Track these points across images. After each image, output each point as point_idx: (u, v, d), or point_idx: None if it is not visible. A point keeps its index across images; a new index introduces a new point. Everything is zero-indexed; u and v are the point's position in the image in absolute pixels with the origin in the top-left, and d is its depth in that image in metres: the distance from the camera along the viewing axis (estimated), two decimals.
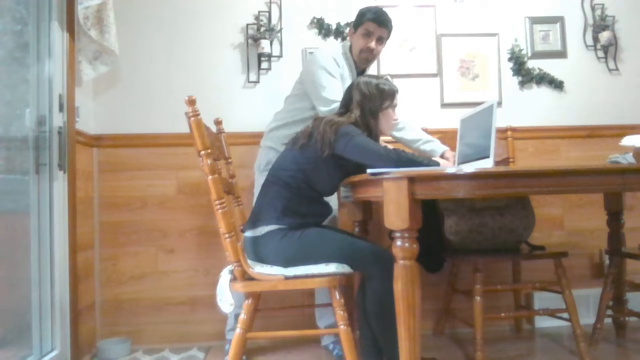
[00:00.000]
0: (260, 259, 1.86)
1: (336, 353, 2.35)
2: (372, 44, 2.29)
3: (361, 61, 2.35)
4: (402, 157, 1.73)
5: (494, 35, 2.86)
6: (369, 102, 1.92)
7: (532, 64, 2.87)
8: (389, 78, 2.11)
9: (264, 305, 2.24)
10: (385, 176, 1.52)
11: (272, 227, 1.83)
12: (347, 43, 2.38)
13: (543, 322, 2.74)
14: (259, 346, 2.52)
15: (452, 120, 2.73)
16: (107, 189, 2.61)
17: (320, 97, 2.19)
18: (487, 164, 1.70)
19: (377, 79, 1.97)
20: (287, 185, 1.88)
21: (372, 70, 2.77)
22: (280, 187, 1.89)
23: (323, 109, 2.18)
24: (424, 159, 1.77)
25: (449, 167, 1.75)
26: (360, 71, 2.38)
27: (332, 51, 2.34)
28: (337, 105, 2.08)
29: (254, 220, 1.88)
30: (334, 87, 2.20)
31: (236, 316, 2.30)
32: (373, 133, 1.93)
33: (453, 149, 2.66)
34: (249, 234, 1.88)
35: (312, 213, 1.91)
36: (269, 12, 2.73)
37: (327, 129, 1.83)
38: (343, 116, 1.93)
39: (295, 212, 1.85)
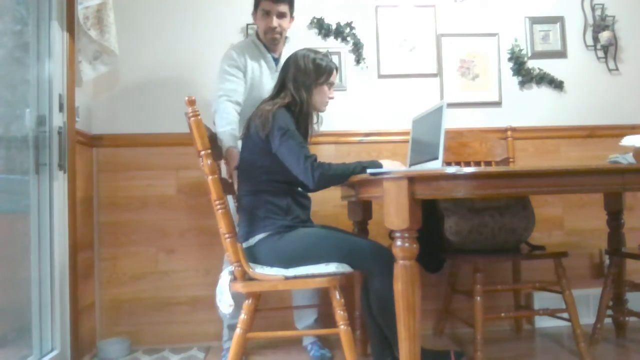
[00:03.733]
0: (260, 263, 1.85)
1: (312, 354, 2.33)
2: (273, 23, 2.25)
3: (269, 42, 2.31)
4: (323, 177, 1.73)
5: (494, 35, 2.86)
6: (304, 76, 1.90)
7: (532, 64, 2.87)
8: (329, 54, 2.08)
9: (264, 305, 2.24)
10: (385, 176, 1.52)
11: (262, 235, 1.83)
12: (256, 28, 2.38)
13: (543, 322, 2.74)
14: (259, 346, 2.52)
15: (452, 120, 2.73)
16: (107, 189, 2.61)
17: (215, 95, 2.24)
18: (435, 166, 1.69)
19: (315, 54, 1.95)
20: (257, 192, 1.87)
21: (371, 65, 2.78)
22: (252, 196, 1.88)
23: (214, 105, 2.23)
24: (355, 167, 1.77)
25: (390, 167, 1.75)
26: (278, 54, 2.36)
27: (238, 44, 2.36)
28: (223, 98, 2.16)
29: (244, 233, 1.87)
30: (224, 85, 2.22)
31: (229, 327, 2.31)
32: (304, 107, 1.90)
33: (452, 148, 2.67)
34: (243, 245, 1.87)
35: (295, 204, 1.89)
36: None
37: (259, 123, 1.82)
38: (277, 97, 1.91)
39: (279, 211, 1.84)
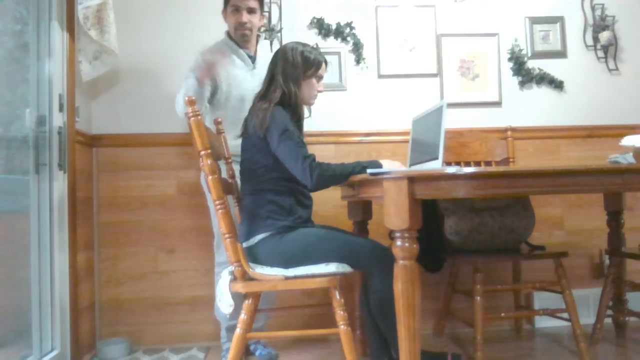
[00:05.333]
0: (260, 263, 1.85)
1: (259, 354, 2.35)
2: (243, 18, 2.24)
3: (240, 38, 2.29)
4: (322, 177, 1.74)
5: (494, 35, 2.86)
6: (292, 69, 1.89)
7: (532, 64, 2.87)
8: (318, 47, 2.05)
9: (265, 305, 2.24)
10: (385, 176, 1.52)
11: (264, 235, 1.82)
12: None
13: (543, 322, 2.74)
14: None
15: (452, 120, 2.73)
16: (107, 189, 2.61)
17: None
18: (436, 165, 1.69)
19: (303, 47, 1.94)
20: (260, 191, 1.87)
21: (371, 65, 2.78)
22: (255, 195, 1.88)
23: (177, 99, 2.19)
24: (355, 167, 1.77)
25: (390, 167, 1.76)
26: (252, 51, 2.33)
27: (209, 48, 2.29)
28: (179, 99, 2.14)
29: (245, 233, 1.87)
30: (187, 86, 2.16)
31: (227, 329, 2.28)
32: (293, 100, 1.90)
33: (452, 148, 2.67)
34: (243, 244, 1.86)
35: (297, 204, 1.89)
36: (269, 12, 2.73)
37: (256, 122, 1.82)
38: (268, 91, 1.90)
39: (281, 211, 1.84)
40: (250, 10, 2.26)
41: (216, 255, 2.32)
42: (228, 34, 2.34)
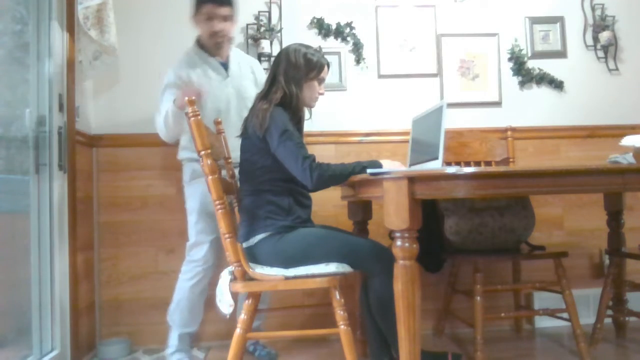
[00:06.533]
0: (260, 263, 1.85)
1: (258, 354, 2.36)
2: (217, 27, 2.19)
3: (213, 46, 2.24)
4: (322, 177, 1.74)
5: (494, 35, 2.86)
6: (294, 70, 1.89)
7: (532, 64, 2.87)
8: (321, 49, 2.04)
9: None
10: (386, 176, 1.52)
11: (263, 235, 1.82)
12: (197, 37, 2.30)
13: (543, 322, 2.74)
14: None
15: (452, 120, 2.73)
16: (107, 189, 2.61)
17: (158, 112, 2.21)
18: (436, 165, 1.70)
19: (306, 48, 1.93)
20: (259, 191, 1.87)
21: (371, 65, 2.78)
22: (254, 196, 1.88)
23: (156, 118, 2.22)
24: (355, 167, 1.77)
25: (390, 167, 1.77)
26: (224, 58, 2.29)
27: (177, 63, 2.27)
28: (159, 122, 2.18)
29: (245, 233, 1.87)
30: (163, 104, 2.19)
31: (180, 337, 2.28)
32: (294, 102, 1.89)
33: (452, 148, 2.67)
34: (243, 245, 1.86)
35: (296, 204, 1.89)
36: (269, 12, 2.73)
37: (256, 122, 1.82)
38: (269, 92, 1.89)
39: (280, 211, 1.84)
40: (225, 18, 2.20)
41: (187, 255, 2.30)
42: (198, 42, 2.28)
